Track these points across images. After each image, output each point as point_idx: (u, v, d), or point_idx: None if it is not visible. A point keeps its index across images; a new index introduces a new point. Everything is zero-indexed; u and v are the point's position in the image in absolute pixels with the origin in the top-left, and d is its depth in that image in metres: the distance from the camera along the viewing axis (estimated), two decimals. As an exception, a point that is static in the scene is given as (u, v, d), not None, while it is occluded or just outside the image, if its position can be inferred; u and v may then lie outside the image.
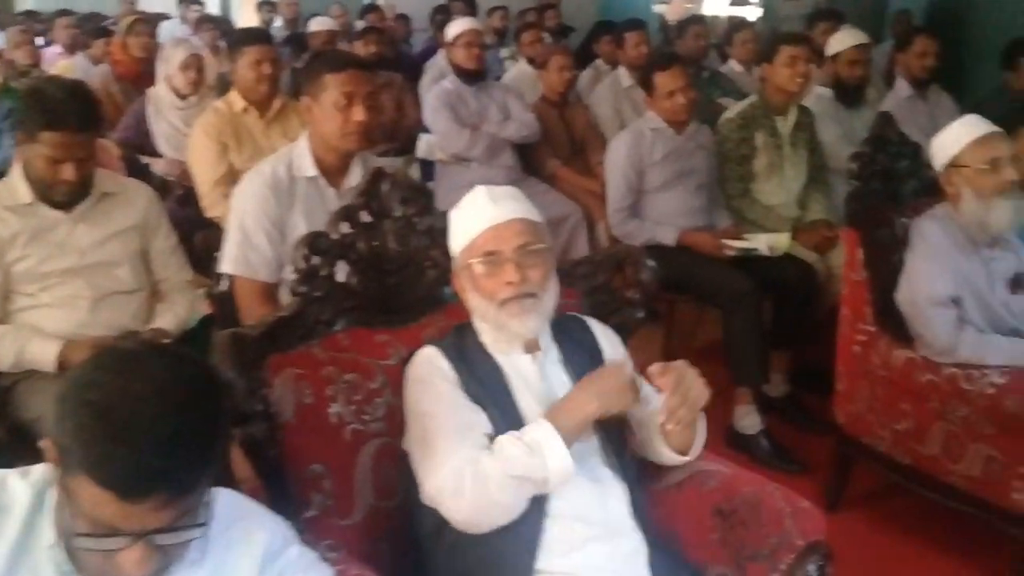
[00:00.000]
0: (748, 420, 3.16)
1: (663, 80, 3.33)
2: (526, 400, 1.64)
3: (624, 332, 1.91)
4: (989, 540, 2.43)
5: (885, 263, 2.45)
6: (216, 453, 1.09)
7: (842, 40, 4.10)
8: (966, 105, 5.21)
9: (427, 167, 4.54)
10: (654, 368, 1.57)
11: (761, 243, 3.23)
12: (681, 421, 1.57)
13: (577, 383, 1.64)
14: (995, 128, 2.38)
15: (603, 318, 1.89)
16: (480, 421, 1.59)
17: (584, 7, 9.56)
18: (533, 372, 1.68)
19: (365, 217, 1.79)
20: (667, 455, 1.73)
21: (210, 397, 1.09)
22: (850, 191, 2.66)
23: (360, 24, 6.47)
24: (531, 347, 1.69)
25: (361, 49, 4.76)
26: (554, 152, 4.52)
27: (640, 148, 3.37)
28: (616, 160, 3.40)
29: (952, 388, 2.32)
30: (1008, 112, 3.02)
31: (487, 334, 1.69)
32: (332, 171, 2.39)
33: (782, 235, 3.27)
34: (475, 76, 4.33)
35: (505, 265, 1.63)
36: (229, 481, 1.45)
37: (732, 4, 7.95)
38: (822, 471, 2.84)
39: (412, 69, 5.74)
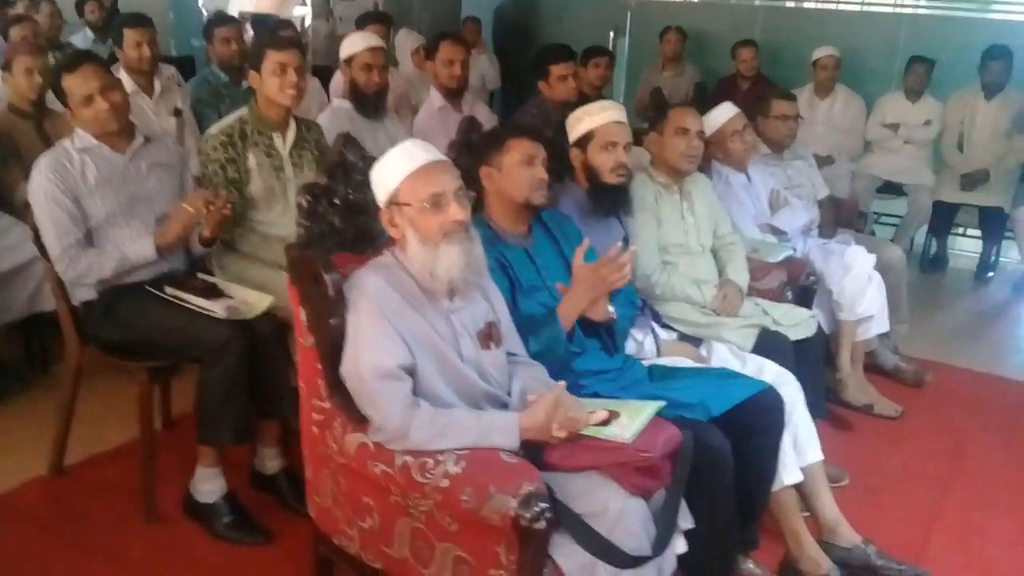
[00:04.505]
0: (209, 485, 2.66)
1: (72, 84, 2.62)
2: None
3: None
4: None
5: (326, 327, 1.94)
6: None
7: (354, 43, 3.65)
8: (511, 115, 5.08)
9: None
10: None
11: (221, 306, 2.60)
12: None
13: None
14: (438, 158, 1.97)
15: None
16: None
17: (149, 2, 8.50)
18: None
19: None
20: None
21: None
22: (297, 235, 2.13)
23: None
24: None
25: None
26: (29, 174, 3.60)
27: (67, 174, 2.64)
28: (39, 193, 2.64)
29: (407, 481, 1.86)
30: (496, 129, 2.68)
31: None
32: None
33: (264, 297, 2.67)
34: None
35: None
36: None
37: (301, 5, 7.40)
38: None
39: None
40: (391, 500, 1.94)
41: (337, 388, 1.97)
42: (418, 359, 1.92)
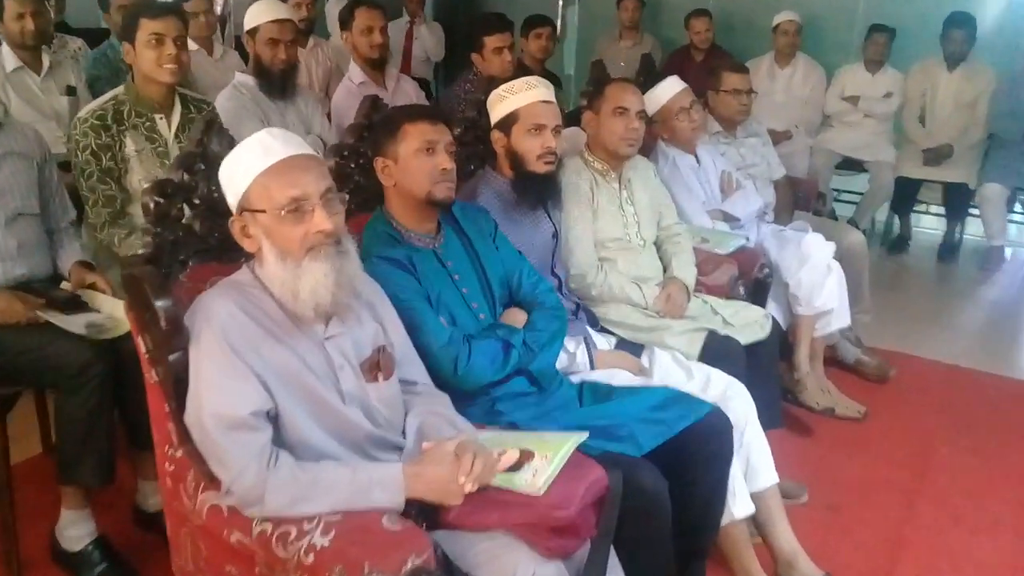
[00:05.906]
0: (76, 530, 2.32)
1: None
2: None
3: None
4: None
5: (166, 363, 1.58)
6: None
7: (259, 13, 3.24)
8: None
9: None
10: None
11: (81, 322, 2.22)
12: None
13: None
14: (299, 152, 1.60)
15: None
16: None
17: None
18: None
19: None
20: None
21: None
22: (143, 244, 1.76)
23: None
24: None
25: None
26: None
27: None
28: None
29: (267, 554, 1.52)
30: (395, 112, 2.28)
31: None
32: None
33: None
34: None
35: None
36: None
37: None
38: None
39: None
40: (256, 572, 1.60)
41: (187, 436, 1.61)
42: (282, 401, 1.57)
